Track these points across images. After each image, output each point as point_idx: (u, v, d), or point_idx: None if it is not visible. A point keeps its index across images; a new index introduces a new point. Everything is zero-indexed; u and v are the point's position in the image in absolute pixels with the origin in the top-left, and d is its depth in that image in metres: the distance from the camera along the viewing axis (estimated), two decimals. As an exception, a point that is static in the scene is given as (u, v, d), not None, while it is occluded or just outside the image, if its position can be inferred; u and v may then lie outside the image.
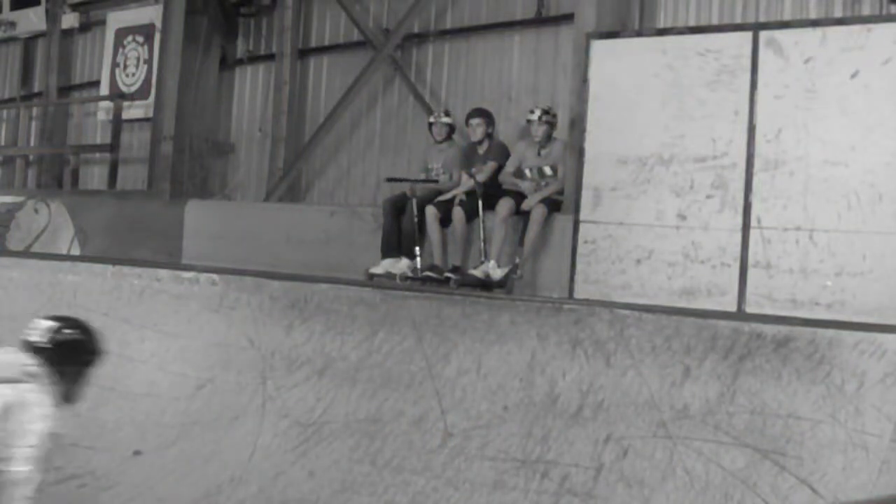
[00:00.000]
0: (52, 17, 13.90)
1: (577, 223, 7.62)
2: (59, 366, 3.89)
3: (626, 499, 5.81)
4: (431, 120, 9.16)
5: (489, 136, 8.73)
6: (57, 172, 13.88)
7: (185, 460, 7.27)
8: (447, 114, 9.13)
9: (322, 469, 6.84)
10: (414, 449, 6.66)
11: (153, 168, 11.52)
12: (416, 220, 8.41)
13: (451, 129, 9.04)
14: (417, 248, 8.38)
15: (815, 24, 7.02)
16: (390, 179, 9.35)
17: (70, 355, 3.96)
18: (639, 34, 7.97)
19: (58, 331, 3.92)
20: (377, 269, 8.41)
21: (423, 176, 8.99)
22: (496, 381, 6.67)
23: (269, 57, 11.59)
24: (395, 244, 8.55)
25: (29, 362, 3.85)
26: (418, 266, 8.34)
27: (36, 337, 3.91)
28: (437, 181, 8.84)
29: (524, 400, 6.48)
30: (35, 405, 3.75)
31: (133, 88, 12.76)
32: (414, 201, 8.50)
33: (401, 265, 8.40)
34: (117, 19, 13.18)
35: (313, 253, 9.29)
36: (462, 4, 10.16)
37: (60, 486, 7.22)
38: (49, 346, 3.90)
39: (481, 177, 8.38)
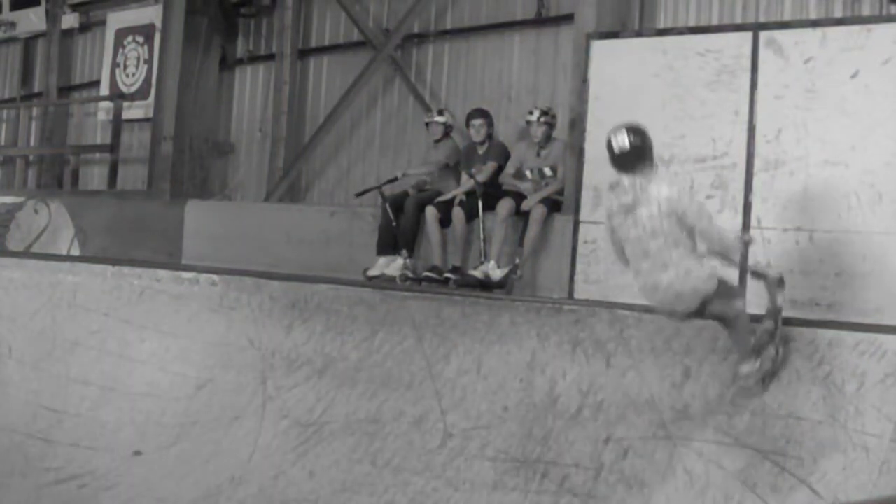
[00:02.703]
0: (52, 17, 13.91)
1: (577, 223, 7.61)
2: (643, 156, 5.33)
3: (626, 499, 5.81)
4: (427, 120, 9.19)
5: (489, 136, 8.75)
6: (57, 172, 13.89)
7: (185, 460, 7.26)
8: (440, 113, 9.14)
9: (322, 469, 6.84)
10: (414, 449, 6.66)
11: (153, 168, 11.52)
12: (394, 222, 8.50)
13: (448, 128, 9.05)
14: (405, 251, 8.42)
15: (815, 24, 7.01)
16: (359, 194, 9.34)
17: (645, 149, 5.35)
18: (639, 34, 7.96)
19: (630, 138, 5.35)
20: (374, 272, 8.44)
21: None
22: (496, 381, 6.67)
23: (269, 57, 11.60)
24: (391, 242, 8.57)
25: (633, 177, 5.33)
26: (408, 265, 8.38)
27: (620, 146, 5.35)
28: (396, 179, 8.95)
29: (524, 400, 6.47)
30: (671, 194, 5.25)
31: (133, 88, 12.76)
32: (387, 205, 8.59)
33: (395, 265, 8.43)
34: (117, 19, 13.20)
35: (313, 253, 9.30)
36: (462, 4, 10.16)
37: (60, 486, 7.23)
38: (631, 147, 5.33)
39: (481, 177, 8.38)
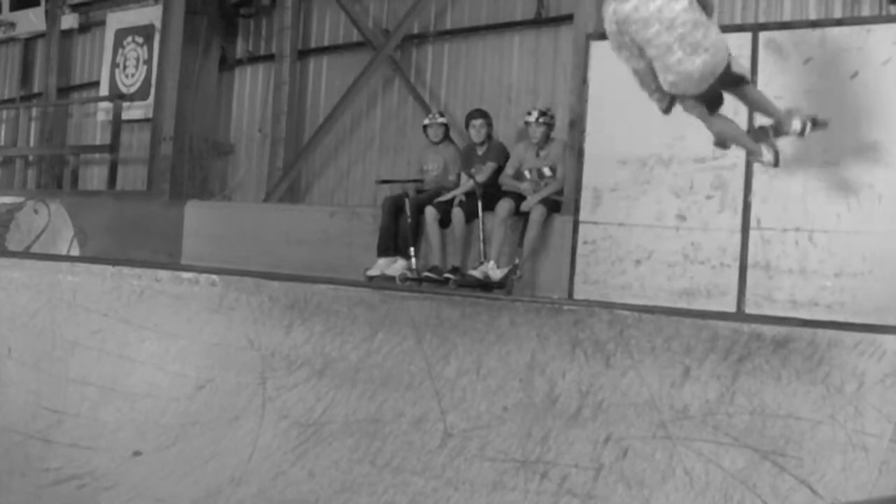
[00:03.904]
0: (51, 17, 13.93)
1: (576, 223, 7.62)
2: None
3: (626, 499, 5.80)
4: (427, 121, 9.17)
5: (489, 137, 8.76)
6: (57, 173, 13.90)
7: (184, 460, 7.25)
8: (442, 114, 9.15)
9: (322, 469, 6.83)
10: (414, 449, 6.65)
11: (153, 168, 11.54)
12: (409, 220, 8.47)
13: (448, 129, 9.06)
14: (412, 249, 8.42)
15: (814, 24, 7.03)
16: (382, 182, 9.39)
17: None
18: (639, 35, 7.96)
19: None
20: (374, 272, 8.44)
21: (420, 178, 9.03)
22: (496, 381, 6.66)
23: (269, 57, 11.61)
24: (392, 243, 8.57)
25: None
26: (413, 266, 8.38)
27: None
28: (421, 181, 8.93)
29: (524, 400, 6.46)
30: None
31: (133, 89, 12.77)
32: (407, 202, 8.56)
33: (396, 266, 8.43)
34: (117, 20, 13.21)
35: (313, 253, 9.31)
36: (462, 5, 10.17)
37: (60, 486, 7.23)
38: None
39: (481, 177, 8.39)
